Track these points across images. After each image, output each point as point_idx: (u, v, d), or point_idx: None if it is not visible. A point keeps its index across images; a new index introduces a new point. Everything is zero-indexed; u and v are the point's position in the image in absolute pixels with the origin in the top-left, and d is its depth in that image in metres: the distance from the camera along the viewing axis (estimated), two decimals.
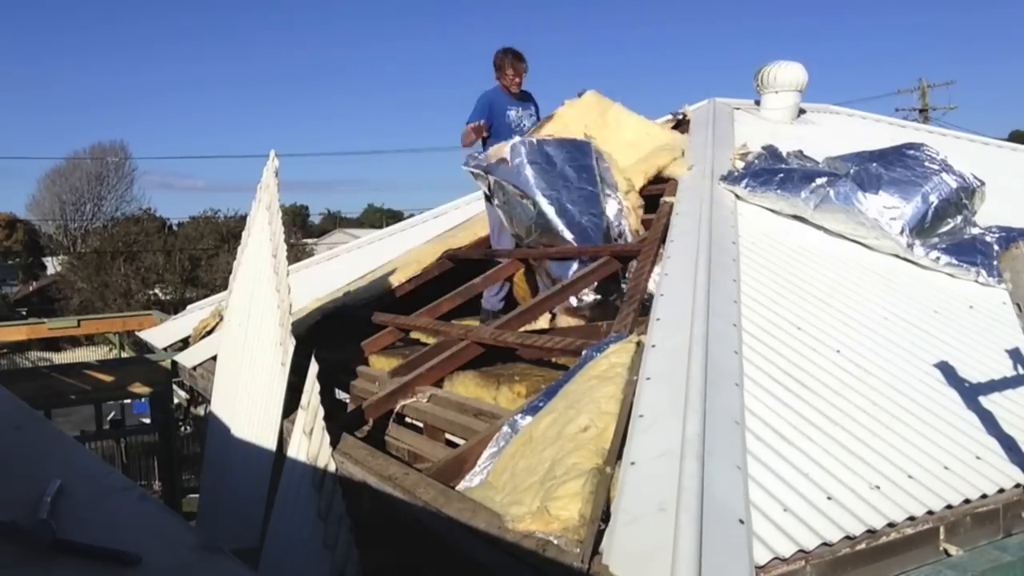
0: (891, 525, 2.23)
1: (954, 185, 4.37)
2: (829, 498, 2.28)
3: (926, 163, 4.49)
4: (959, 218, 4.37)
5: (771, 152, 5.11)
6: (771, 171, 4.71)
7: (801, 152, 5.15)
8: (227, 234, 28.50)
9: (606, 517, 2.17)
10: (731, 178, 4.77)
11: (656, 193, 5.10)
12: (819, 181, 4.43)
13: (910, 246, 4.19)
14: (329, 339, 4.99)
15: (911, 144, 4.86)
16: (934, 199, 4.28)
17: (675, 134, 5.76)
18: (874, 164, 4.47)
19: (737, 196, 4.67)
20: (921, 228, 4.24)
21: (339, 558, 2.84)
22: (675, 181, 5.05)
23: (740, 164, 5.09)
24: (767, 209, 4.59)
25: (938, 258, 4.18)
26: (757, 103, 7.08)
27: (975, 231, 4.38)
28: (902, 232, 4.20)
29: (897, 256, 4.24)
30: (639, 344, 3.00)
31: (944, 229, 4.32)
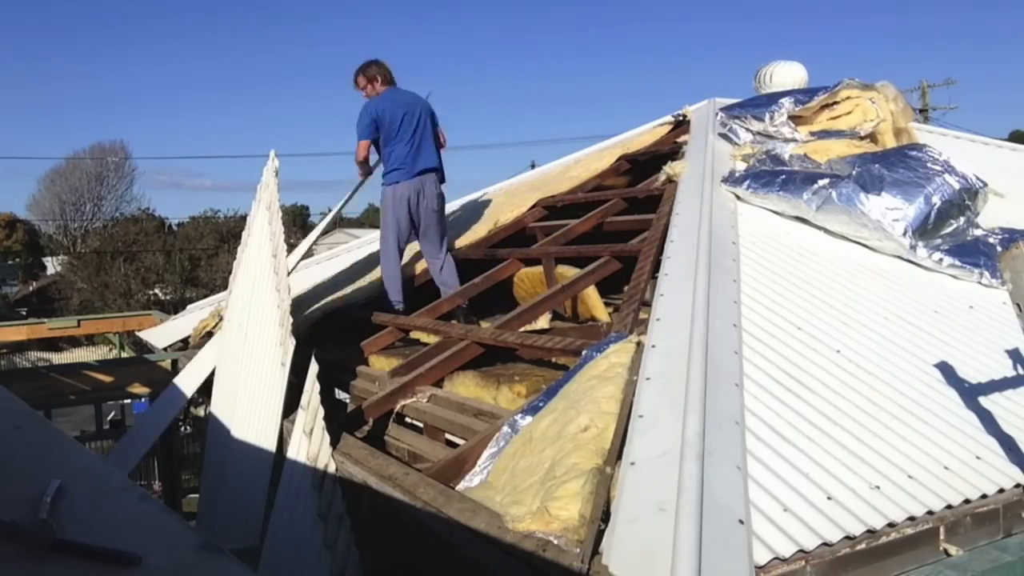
0: (891, 525, 2.23)
1: (957, 186, 4.37)
2: (829, 498, 2.28)
3: (928, 164, 4.48)
4: (962, 219, 4.35)
5: (773, 153, 5.11)
6: (773, 172, 4.70)
7: (805, 155, 5.13)
8: (227, 234, 28.50)
9: (606, 517, 2.17)
10: (733, 179, 4.77)
11: (656, 193, 5.10)
12: (821, 183, 4.43)
13: (913, 247, 4.18)
14: (329, 339, 5.00)
15: (914, 145, 4.86)
16: (936, 200, 4.27)
17: None
18: (876, 165, 4.47)
19: (738, 197, 4.66)
20: (924, 229, 4.23)
21: (339, 558, 2.84)
22: (675, 182, 5.06)
23: (741, 165, 5.09)
24: (769, 210, 4.59)
25: (941, 259, 4.16)
26: None
27: (978, 232, 4.37)
28: (905, 233, 4.19)
29: (900, 257, 4.23)
30: (639, 344, 3.00)
31: (947, 230, 4.31)
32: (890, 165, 4.47)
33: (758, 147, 5.36)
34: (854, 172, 4.45)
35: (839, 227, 4.36)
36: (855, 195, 4.28)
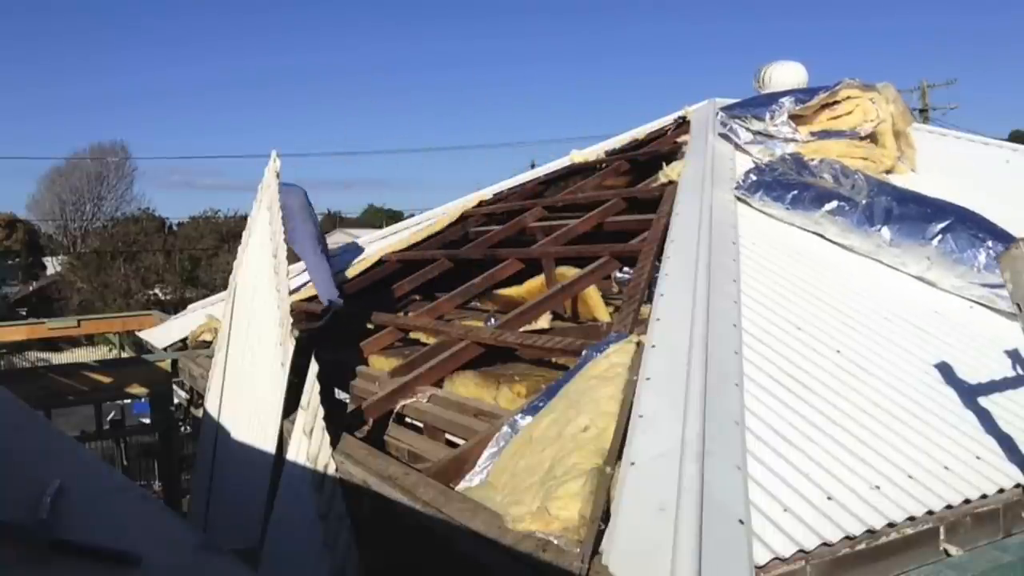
0: (891, 525, 2.24)
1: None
2: (829, 498, 2.28)
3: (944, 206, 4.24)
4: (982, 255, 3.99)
5: (796, 159, 5.04)
6: (784, 185, 4.64)
7: (821, 160, 5.00)
8: (227, 234, 28.54)
9: (606, 517, 2.17)
10: (745, 187, 4.72)
11: (656, 194, 5.10)
12: (831, 205, 4.37)
13: (928, 269, 4.07)
14: (329, 339, 4.99)
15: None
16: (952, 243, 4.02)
17: None
18: (884, 197, 4.33)
19: (751, 206, 4.63)
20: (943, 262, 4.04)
21: (339, 558, 2.84)
22: (675, 182, 5.05)
23: (749, 165, 5.04)
24: (782, 221, 4.55)
25: (961, 288, 3.97)
26: None
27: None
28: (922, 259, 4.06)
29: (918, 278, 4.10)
30: (639, 344, 3.00)
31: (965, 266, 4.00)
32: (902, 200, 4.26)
33: (762, 148, 5.34)
34: (866, 201, 4.31)
35: (856, 245, 4.29)
36: (871, 223, 4.19)
